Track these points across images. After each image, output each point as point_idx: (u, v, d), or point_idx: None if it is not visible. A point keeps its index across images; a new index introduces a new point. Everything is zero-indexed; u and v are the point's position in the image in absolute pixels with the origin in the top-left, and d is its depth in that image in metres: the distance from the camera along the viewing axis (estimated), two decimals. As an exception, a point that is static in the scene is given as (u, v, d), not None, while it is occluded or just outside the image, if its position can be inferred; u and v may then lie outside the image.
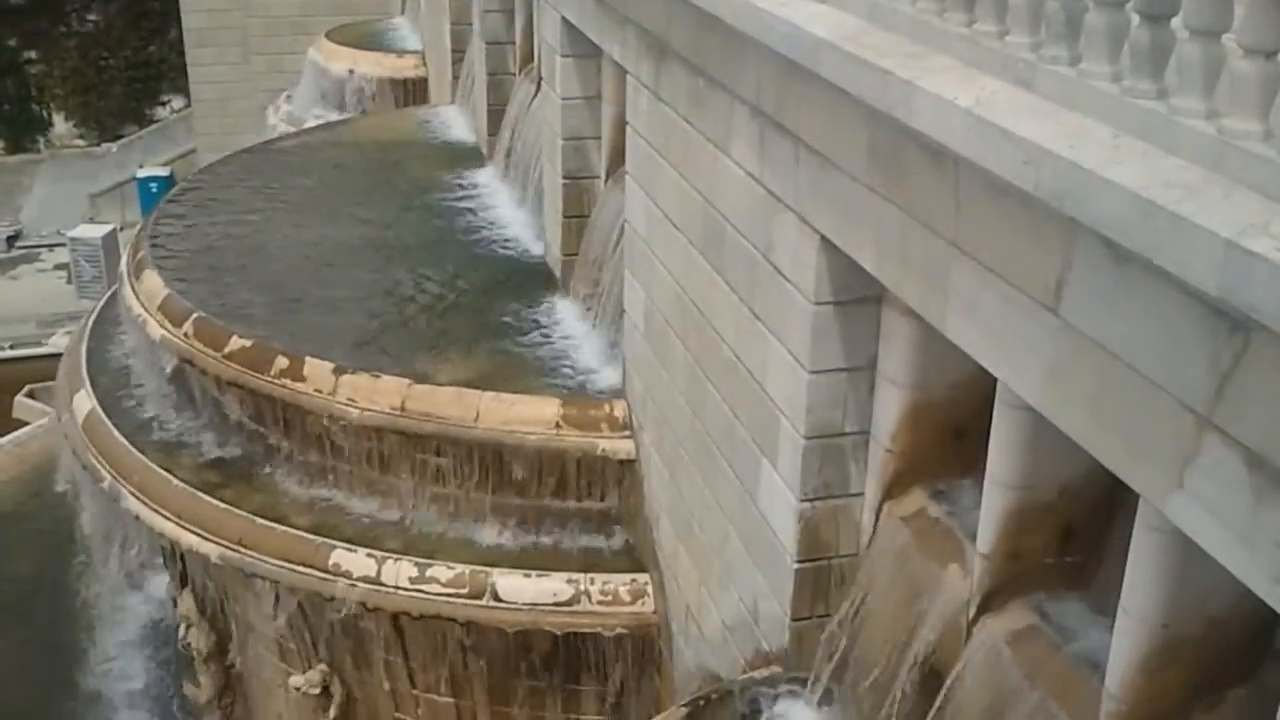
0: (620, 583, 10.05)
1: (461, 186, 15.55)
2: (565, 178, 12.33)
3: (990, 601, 5.75)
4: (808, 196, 6.57)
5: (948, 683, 5.81)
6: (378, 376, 10.69)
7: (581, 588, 10.03)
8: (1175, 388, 4.04)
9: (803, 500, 7.01)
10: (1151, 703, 4.79)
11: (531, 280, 12.72)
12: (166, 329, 12.11)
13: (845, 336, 6.69)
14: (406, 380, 10.63)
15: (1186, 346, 3.97)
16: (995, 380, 5.41)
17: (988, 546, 5.71)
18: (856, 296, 6.60)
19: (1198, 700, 4.87)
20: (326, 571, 10.34)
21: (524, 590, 10.02)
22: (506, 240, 13.73)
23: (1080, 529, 5.65)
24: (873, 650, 6.54)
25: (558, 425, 10.25)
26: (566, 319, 11.91)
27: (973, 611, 5.82)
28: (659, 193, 9.02)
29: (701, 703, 7.28)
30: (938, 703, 5.83)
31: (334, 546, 10.45)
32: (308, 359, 10.99)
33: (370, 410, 10.57)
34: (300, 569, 10.45)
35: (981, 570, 5.76)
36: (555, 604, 9.99)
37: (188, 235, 14.29)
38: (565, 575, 10.09)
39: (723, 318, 7.85)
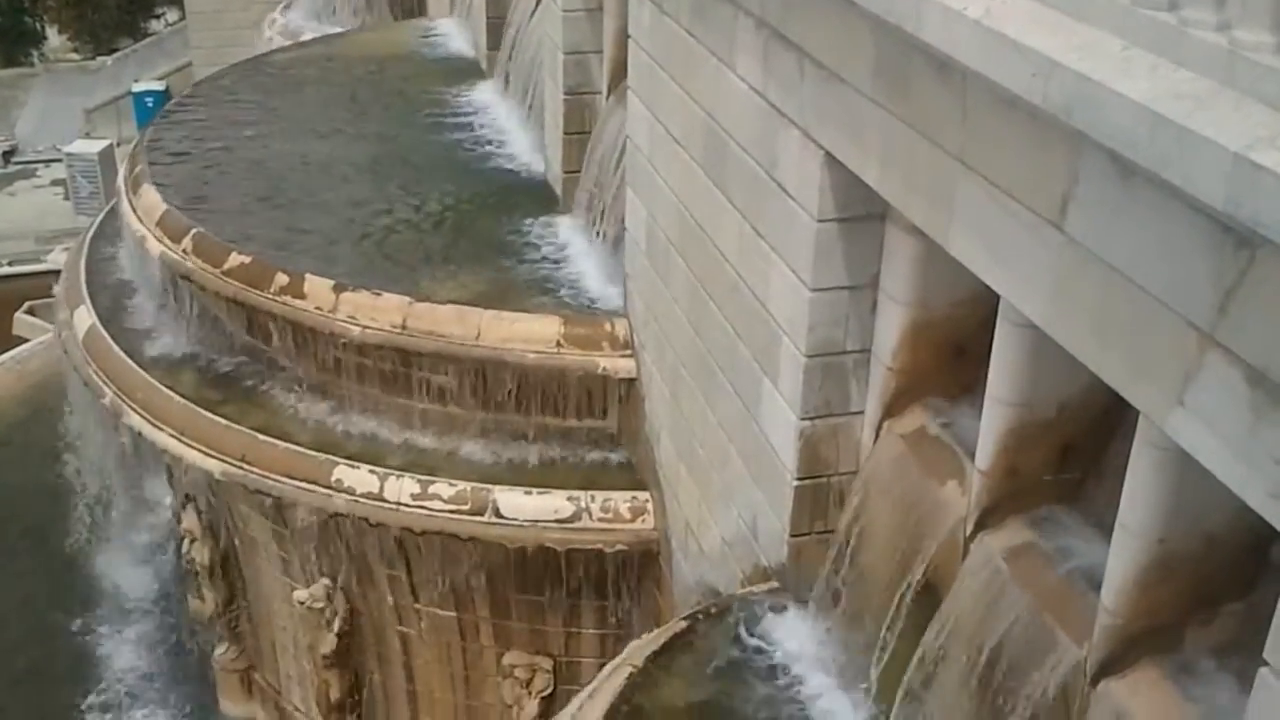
0: (621, 500, 10.12)
1: (460, 102, 15.38)
2: (566, 93, 12.18)
3: (988, 518, 5.79)
4: (812, 111, 6.49)
5: (945, 598, 5.88)
6: (378, 294, 10.66)
7: (582, 505, 10.10)
8: (1179, 304, 4.02)
9: (803, 418, 7.03)
10: (1146, 617, 4.85)
11: (532, 198, 12.63)
12: (165, 245, 12.05)
13: (848, 254, 6.66)
14: (407, 298, 10.60)
15: (1191, 262, 3.95)
16: (997, 298, 5.39)
17: (986, 463, 5.73)
18: (860, 214, 6.56)
19: (1192, 615, 4.92)
20: (329, 488, 10.41)
21: (525, 507, 10.10)
22: (506, 157, 13.61)
23: (1078, 446, 5.67)
24: (871, 566, 6.61)
25: (559, 344, 10.24)
26: (568, 237, 11.84)
27: (970, 528, 5.86)
28: (661, 108, 8.92)
29: (700, 617, 7.37)
30: (936, 618, 5.90)
31: (336, 463, 10.50)
32: (308, 276, 10.95)
33: (371, 328, 10.55)
34: (303, 485, 10.52)
35: (980, 487, 5.79)
36: (556, 521, 10.07)
37: (184, 150, 14.16)
38: (566, 493, 10.16)
39: (725, 236, 7.81)
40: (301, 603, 11.44)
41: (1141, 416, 4.47)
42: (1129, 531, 4.78)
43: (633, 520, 10.04)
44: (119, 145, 30.29)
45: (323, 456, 10.58)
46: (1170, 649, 4.93)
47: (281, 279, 11.03)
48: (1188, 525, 4.69)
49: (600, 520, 10.04)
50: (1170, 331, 4.05)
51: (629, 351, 10.24)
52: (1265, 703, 3.81)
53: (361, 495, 10.30)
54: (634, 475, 10.31)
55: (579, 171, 11.95)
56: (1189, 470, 4.25)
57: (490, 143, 14.01)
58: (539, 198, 12.61)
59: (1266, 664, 3.79)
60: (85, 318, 12.66)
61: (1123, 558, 4.82)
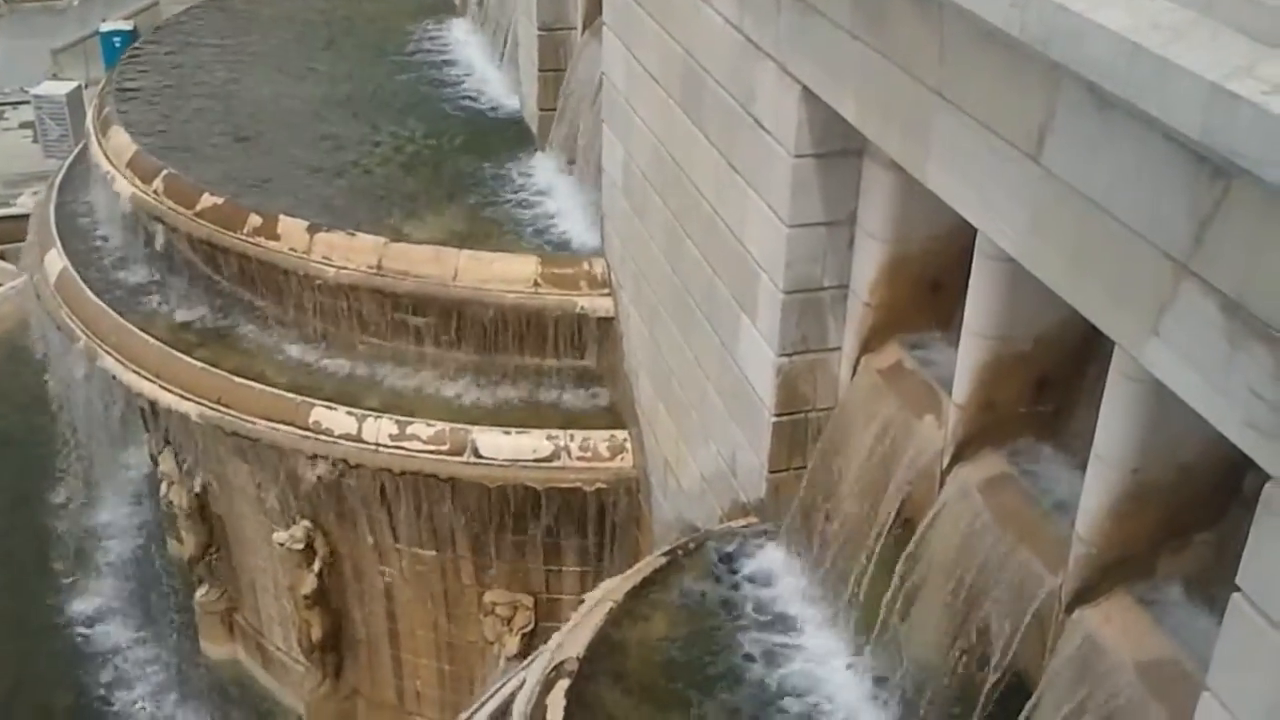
0: (599, 438, 10.15)
1: (434, 39, 15.17)
2: (541, 29, 12.03)
3: (964, 450, 5.85)
4: (789, 45, 6.44)
5: (921, 530, 5.94)
6: (353, 235, 10.59)
7: (561, 444, 10.14)
8: (1155, 235, 4.04)
9: (781, 355, 7.05)
10: (1120, 546, 4.91)
11: (507, 137, 12.51)
12: (136, 186, 11.91)
13: (825, 190, 6.64)
14: (383, 239, 10.53)
15: (1167, 193, 3.95)
16: (974, 232, 5.39)
17: (963, 397, 5.77)
18: (837, 149, 6.53)
19: (1165, 544, 4.99)
20: (307, 429, 10.40)
21: (504, 447, 10.13)
22: (481, 95, 13.46)
23: (1054, 379, 5.71)
24: (848, 499, 6.66)
25: (536, 283, 10.21)
26: (544, 176, 11.75)
27: (946, 460, 5.91)
28: (637, 44, 8.83)
29: (680, 552, 7.43)
30: (910, 549, 5.97)
31: (313, 404, 10.48)
32: (281, 217, 10.86)
33: (346, 269, 10.49)
34: (280, 427, 10.50)
35: (956, 420, 5.83)
36: (535, 460, 10.10)
37: (153, 91, 13.94)
38: (545, 432, 10.19)
39: (702, 172, 7.77)
40: (281, 544, 11.46)
41: (1117, 348, 4.51)
42: (1103, 462, 4.83)
43: (611, 458, 10.08)
44: (87, 86, 29.76)
45: (300, 398, 10.56)
46: (1143, 577, 5.01)
47: (255, 220, 10.94)
48: (1162, 455, 4.74)
49: (579, 459, 10.08)
50: (1146, 262, 4.07)
51: (607, 290, 10.22)
52: (1237, 628, 3.88)
53: (339, 436, 10.30)
54: (613, 414, 10.34)
55: (555, 109, 11.84)
56: (1163, 401, 4.29)
57: (464, 81, 13.85)
58: (514, 136, 12.50)
59: (1239, 590, 3.85)
60: (56, 261, 12.53)
61: (1097, 488, 4.87)
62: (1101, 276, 4.37)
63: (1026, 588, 5.25)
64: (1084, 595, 5.03)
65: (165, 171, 11.76)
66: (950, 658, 5.72)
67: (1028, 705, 5.15)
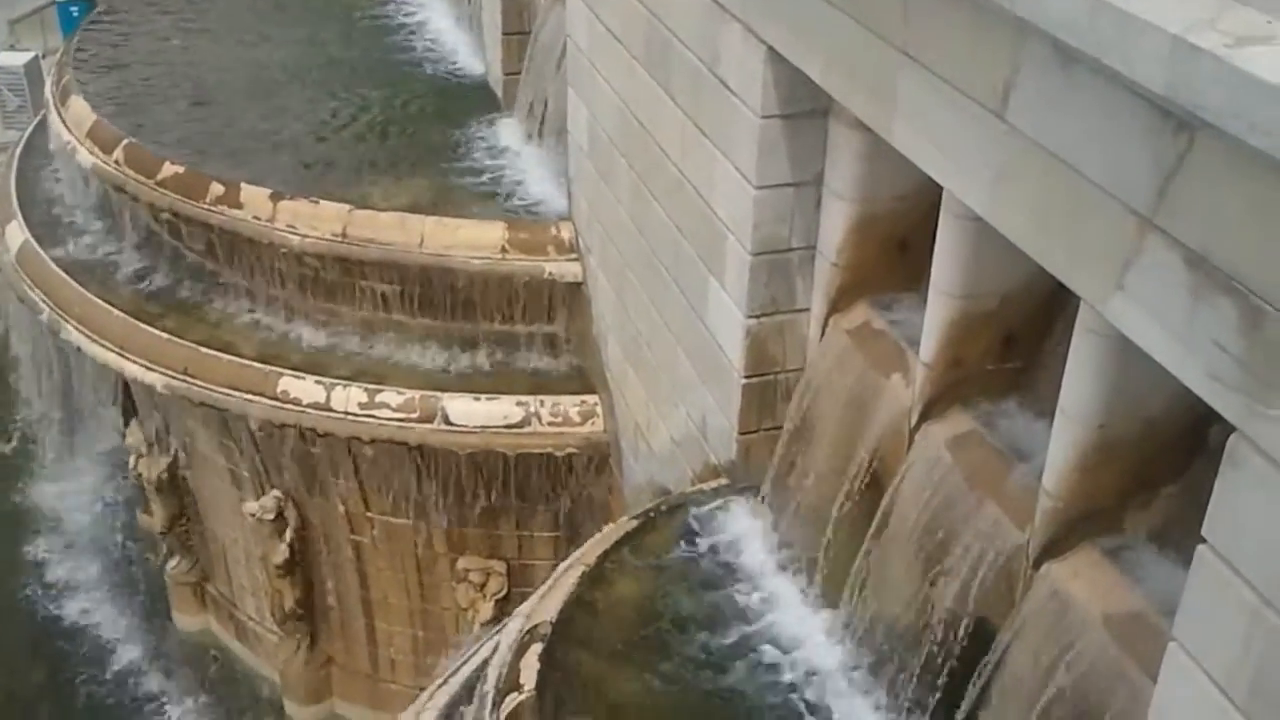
0: (570, 404, 10.15)
1: (396, 3, 15.00)
2: (504, -8, 11.93)
3: (932, 409, 5.87)
4: (754, 5, 6.39)
5: (890, 488, 5.97)
6: (317, 202, 10.49)
7: (532, 410, 10.13)
8: (1119, 190, 4.05)
9: (750, 316, 7.05)
10: (1087, 500, 4.96)
11: (472, 101, 12.40)
12: (96, 156, 11.75)
13: (792, 151, 6.62)
14: (347, 206, 10.44)
15: (1131, 148, 3.96)
16: (941, 190, 5.40)
17: (930, 355, 5.79)
18: (804, 109, 6.51)
19: (1132, 497, 5.03)
20: (275, 399, 10.34)
21: (474, 413, 10.11)
22: (444, 59, 13.32)
23: (1021, 336, 5.74)
24: (818, 460, 6.69)
25: (503, 249, 10.16)
26: (510, 140, 11.67)
27: (915, 419, 5.94)
28: (601, 5, 8.75)
29: (652, 515, 7.44)
30: (881, 507, 6.00)
31: (281, 374, 10.42)
32: (243, 185, 10.74)
33: (311, 237, 10.40)
34: (248, 397, 10.45)
35: (924, 379, 5.85)
36: (506, 426, 10.09)
37: (112, 59, 13.72)
38: (515, 398, 10.18)
39: (668, 134, 7.73)
40: (252, 514, 11.42)
41: (1082, 303, 4.53)
42: (1069, 417, 4.86)
43: (582, 423, 10.08)
44: (45, 57, 29.28)
45: (268, 368, 10.50)
46: (1110, 531, 5.05)
47: (217, 189, 10.82)
48: (1127, 410, 4.78)
49: (550, 424, 10.07)
50: (1110, 217, 4.08)
51: (574, 255, 10.18)
52: (1203, 580, 3.92)
53: (308, 405, 10.25)
54: (583, 379, 10.33)
55: (519, 73, 11.74)
56: (1128, 355, 4.32)
57: (426, 45, 13.70)
58: (479, 101, 12.39)
59: (1204, 542, 3.89)
60: (18, 234, 12.36)
61: (1063, 443, 4.91)
62: (1066, 232, 4.38)
63: (995, 543, 5.29)
64: (1051, 550, 5.07)
65: (126, 141, 11.60)
66: (920, 614, 5.77)
67: (990, 657, 5.20)
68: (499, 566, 11.15)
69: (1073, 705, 4.81)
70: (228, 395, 10.55)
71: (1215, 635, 3.87)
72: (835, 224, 6.63)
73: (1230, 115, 3.41)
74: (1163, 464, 4.96)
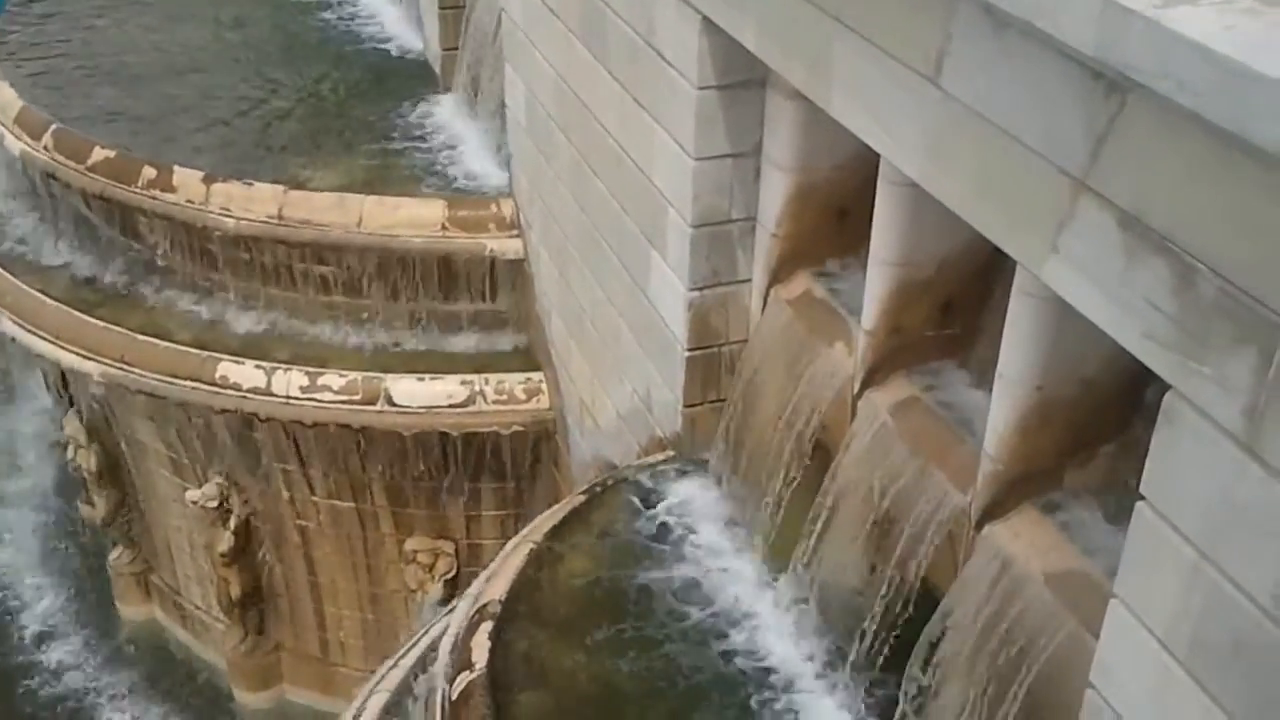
0: (515, 381, 10.10)
1: (325, -21, 14.76)
2: (438, -34, 11.78)
3: (874, 376, 5.91)
4: (688, -25, 6.36)
5: (835, 456, 6.01)
6: (251, 184, 10.32)
7: (476, 388, 10.07)
8: (1052, 153, 4.07)
9: (692, 289, 7.05)
10: (1027, 462, 5.01)
11: (409, 77, 12.24)
12: (25, 142, 11.46)
13: (730, 122, 6.61)
14: (282, 187, 10.29)
15: (1064, 111, 3.98)
16: (878, 158, 5.41)
17: (871, 323, 5.82)
18: (740, 80, 6.49)
19: (1071, 458, 5.10)
20: (214, 384, 10.21)
21: (418, 394, 10.03)
22: (380, 36, 13.12)
23: (959, 302, 5.78)
24: (763, 430, 6.71)
25: (444, 227, 10.07)
26: (448, 117, 11.54)
27: (857, 386, 5.97)
28: (535, -21, 8.67)
29: (599, 489, 7.44)
30: (826, 475, 6.04)
31: (220, 359, 10.29)
32: (176, 168, 10.55)
33: (246, 219, 10.24)
34: (187, 383, 10.30)
35: (865, 346, 5.89)
36: (450, 405, 10.03)
37: (37, 43, 13.36)
38: (459, 377, 10.11)
39: (605, 108, 7.69)
40: (194, 502, 11.28)
41: (1018, 267, 4.56)
42: (1008, 380, 4.91)
43: (527, 401, 10.04)
44: (-35, 40, 28.54)
45: (205, 354, 10.36)
46: (1050, 491, 5.12)
47: (149, 172, 10.62)
48: (1065, 371, 4.83)
49: (495, 402, 10.03)
50: (1044, 181, 4.11)
51: (516, 232, 10.11)
52: (1141, 536, 3.98)
53: (248, 391, 10.12)
54: (527, 356, 10.29)
55: (457, 48, 11.61)
56: (1065, 317, 4.36)
57: (361, 21, 13.50)
58: (417, 77, 12.24)
59: (1143, 498, 3.95)
60: (-56, 222, 12.08)
61: (1003, 406, 4.96)
62: (1001, 197, 4.41)
63: (937, 507, 5.34)
64: (993, 511, 5.13)
65: (54, 126, 11.33)
66: (867, 580, 5.82)
67: (936, 619, 5.26)
68: (447, 547, 11.10)
69: (1016, 663, 4.87)
70: (166, 382, 10.39)
71: (1155, 591, 3.94)
72: (775, 194, 6.64)
73: (1160, 75, 3.44)
74: (1101, 424, 5.03)
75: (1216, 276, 3.46)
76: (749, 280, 7.06)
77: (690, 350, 7.22)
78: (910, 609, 5.55)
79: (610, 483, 7.49)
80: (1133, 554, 4.04)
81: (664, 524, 7.13)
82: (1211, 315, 3.50)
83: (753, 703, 6.09)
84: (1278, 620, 3.45)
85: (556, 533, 7.09)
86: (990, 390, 5.09)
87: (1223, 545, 3.63)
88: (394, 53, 12.85)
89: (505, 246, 10.10)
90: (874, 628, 5.72)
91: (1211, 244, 3.48)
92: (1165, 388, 3.77)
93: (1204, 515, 3.68)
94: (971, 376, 5.75)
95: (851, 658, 5.95)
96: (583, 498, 7.39)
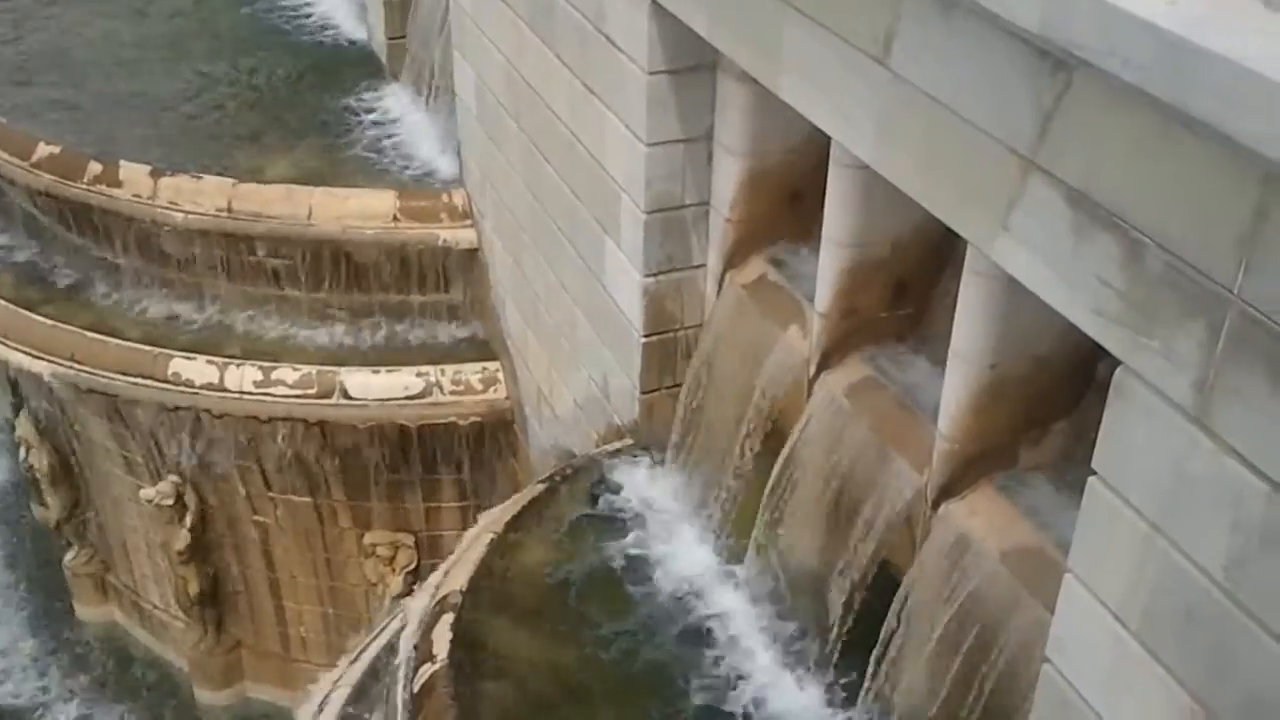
0: (471, 372, 10.06)
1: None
2: (383, -45, 11.66)
3: (829, 358, 5.92)
4: (636, -41, 6.33)
5: (792, 438, 6.02)
6: (199, 178, 10.18)
7: (432, 380, 10.02)
8: (1000, 132, 4.09)
9: (646, 275, 7.04)
10: (981, 440, 5.05)
11: (356, 68, 12.10)
12: (-35, 139, 11.26)
13: (681, 107, 6.60)
14: (231, 180, 10.16)
15: (1011, 90, 4.00)
16: (829, 141, 5.42)
17: (825, 305, 5.83)
18: (690, 64, 6.48)
19: (1024, 435, 5.14)
20: (166, 381, 10.09)
21: (373, 386, 9.97)
22: (325, 26, 12.95)
23: (912, 283, 5.81)
24: (720, 414, 6.72)
25: (395, 218, 9.99)
26: (397, 107, 11.43)
27: (813, 369, 5.99)
28: (482, -35, 8.61)
29: (558, 478, 7.42)
30: (783, 458, 6.05)
31: (171, 356, 10.17)
32: (122, 163, 10.37)
33: (195, 213, 10.11)
34: (138, 381, 10.17)
35: (820, 329, 5.90)
36: (407, 397, 9.97)
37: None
38: (415, 369, 10.06)
39: (556, 94, 7.65)
40: (150, 501, 11.15)
41: (969, 246, 4.59)
42: (961, 359, 4.94)
43: (484, 391, 10.00)
44: (-98, 36, 27.97)
45: (157, 350, 10.24)
46: (1005, 468, 5.16)
47: (95, 168, 10.44)
48: (1017, 349, 4.87)
49: (452, 393, 9.98)
50: (993, 160, 4.13)
51: (469, 221, 10.05)
52: (1094, 510, 4.02)
53: (201, 387, 10.01)
54: (483, 346, 10.24)
55: (403, 37, 11.50)
56: (1016, 295, 4.39)
57: (305, 11, 13.33)
58: (363, 67, 12.10)
59: (1095, 473, 3.98)
60: (-114, 223, 11.83)
61: (957, 385, 4.98)
62: (951, 176, 4.43)
63: (894, 487, 5.37)
64: (949, 490, 5.16)
65: (-3, 123, 11.14)
66: (825, 561, 5.84)
67: (896, 599, 5.29)
68: (407, 539, 11.04)
69: (975, 639, 4.91)
70: (117, 380, 10.26)
71: (1109, 564, 3.98)
72: (727, 179, 6.63)
73: (1105, 52, 3.46)
74: (1053, 401, 5.07)
75: (1164, 251, 3.49)
76: (704, 265, 7.06)
77: (646, 336, 7.21)
78: (871, 589, 5.58)
79: (569, 471, 7.47)
80: (1086, 529, 4.08)
81: (623, 511, 7.12)
82: (1159, 290, 3.53)
83: (716, 687, 6.10)
84: (1229, 591, 3.49)
85: (516, 522, 7.06)
86: (944, 370, 5.12)
87: (1174, 518, 3.67)
88: (339, 42, 12.70)
89: (458, 236, 10.03)
90: (835, 609, 5.74)
91: (1158, 219, 3.51)
92: (1116, 363, 3.81)
93: (1155, 489, 3.72)
94: (926, 356, 5.77)
95: (814, 639, 5.98)
96: (542, 487, 7.37)
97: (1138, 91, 3.39)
